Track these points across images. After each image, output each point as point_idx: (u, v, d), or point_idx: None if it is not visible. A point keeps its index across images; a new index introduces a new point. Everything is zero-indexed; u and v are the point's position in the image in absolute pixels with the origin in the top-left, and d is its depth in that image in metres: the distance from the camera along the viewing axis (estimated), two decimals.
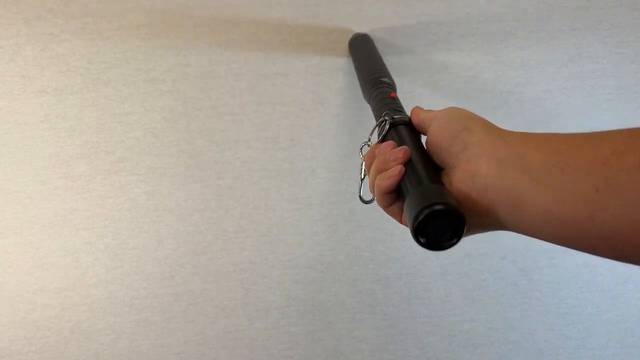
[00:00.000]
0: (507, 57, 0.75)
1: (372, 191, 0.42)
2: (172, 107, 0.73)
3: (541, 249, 0.80)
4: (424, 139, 0.45)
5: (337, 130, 0.75)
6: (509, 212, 0.33)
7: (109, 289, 0.77)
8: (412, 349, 0.83)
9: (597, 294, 0.81)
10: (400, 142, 0.43)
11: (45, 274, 0.76)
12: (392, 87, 0.60)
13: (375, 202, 0.44)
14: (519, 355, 0.84)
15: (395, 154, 0.40)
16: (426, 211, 0.32)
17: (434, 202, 0.33)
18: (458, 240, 0.33)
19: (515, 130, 0.36)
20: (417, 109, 0.49)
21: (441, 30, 0.73)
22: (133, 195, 0.75)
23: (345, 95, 0.74)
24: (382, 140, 0.46)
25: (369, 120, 0.76)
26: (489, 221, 0.34)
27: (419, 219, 0.33)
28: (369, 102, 0.60)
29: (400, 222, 0.41)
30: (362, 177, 0.48)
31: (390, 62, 0.74)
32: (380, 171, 0.40)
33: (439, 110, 0.45)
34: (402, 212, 0.41)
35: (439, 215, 0.33)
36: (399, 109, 0.53)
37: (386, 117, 0.48)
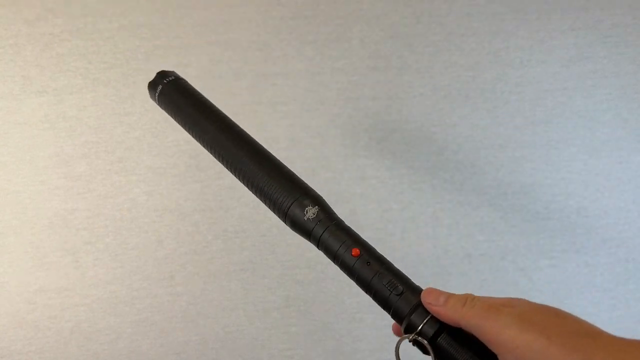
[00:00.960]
0: (508, 57, 0.75)
1: None
2: None
3: (542, 249, 0.80)
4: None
5: (337, 130, 0.75)
6: None
7: (109, 288, 0.77)
8: (411, 350, 0.83)
9: (597, 294, 0.81)
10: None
11: (45, 274, 0.76)
12: (327, 214, 0.44)
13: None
14: None
15: None
16: None
17: None
18: None
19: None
20: (438, 298, 0.37)
21: (441, 30, 0.73)
22: (133, 195, 0.75)
23: (345, 95, 0.74)
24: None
25: (369, 120, 0.76)
26: None
27: None
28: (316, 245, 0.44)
29: None
30: None
31: (391, 62, 0.74)
32: None
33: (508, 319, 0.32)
34: None
35: None
36: (402, 294, 0.39)
37: (408, 336, 0.37)
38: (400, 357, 0.36)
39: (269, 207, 0.46)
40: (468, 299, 0.35)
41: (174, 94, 0.52)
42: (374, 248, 0.43)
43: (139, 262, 0.77)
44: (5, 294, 0.76)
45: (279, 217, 0.45)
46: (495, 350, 0.32)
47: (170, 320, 0.78)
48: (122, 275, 0.77)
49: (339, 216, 0.44)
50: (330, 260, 0.44)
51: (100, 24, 0.70)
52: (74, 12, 0.69)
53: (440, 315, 0.36)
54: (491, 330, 0.32)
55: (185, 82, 0.54)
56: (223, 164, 0.49)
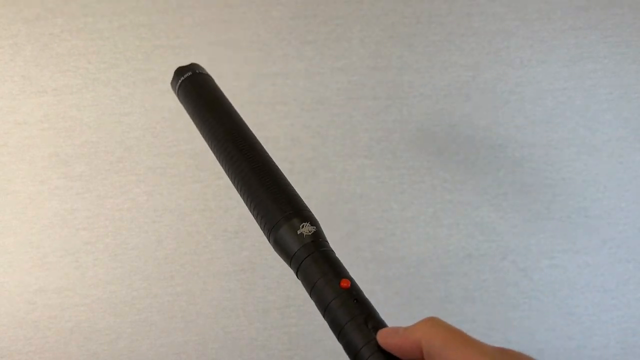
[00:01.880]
0: (508, 56, 0.75)
1: None
2: (172, 107, 0.73)
3: (542, 249, 0.80)
4: None
5: (337, 130, 0.75)
6: None
7: (109, 289, 0.77)
8: None
9: (597, 294, 0.81)
10: None
11: (45, 274, 0.76)
12: (318, 238, 0.37)
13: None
14: None
15: None
16: None
17: None
18: None
19: None
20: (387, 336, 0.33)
21: (441, 30, 0.73)
22: (133, 195, 0.75)
23: (345, 95, 0.74)
24: None
25: (369, 120, 0.76)
26: None
27: None
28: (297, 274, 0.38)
29: None
30: None
31: (391, 62, 0.74)
32: None
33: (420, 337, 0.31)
34: None
35: None
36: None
37: None
38: None
39: (257, 218, 0.41)
40: (430, 320, 0.32)
41: (195, 86, 0.50)
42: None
43: (139, 262, 0.77)
44: (5, 294, 0.76)
45: (264, 230, 0.40)
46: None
47: (170, 320, 0.78)
48: (122, 275, 0.77)
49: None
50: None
51: (100, 24, 0.70)
52: (74, 12, 0.69)
53: (399, 346, 0.32)
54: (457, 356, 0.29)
55: (211, 79, 0.52)
56: (221, 164, 0.47)
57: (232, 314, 0.79)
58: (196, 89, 0.50)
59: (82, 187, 0.74)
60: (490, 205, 0.78)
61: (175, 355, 0.79)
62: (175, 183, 0.75)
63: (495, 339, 0.83)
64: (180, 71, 0.52)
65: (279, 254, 0.39)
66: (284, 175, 0.43)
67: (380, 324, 0.34)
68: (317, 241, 0.37)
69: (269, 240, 0.39)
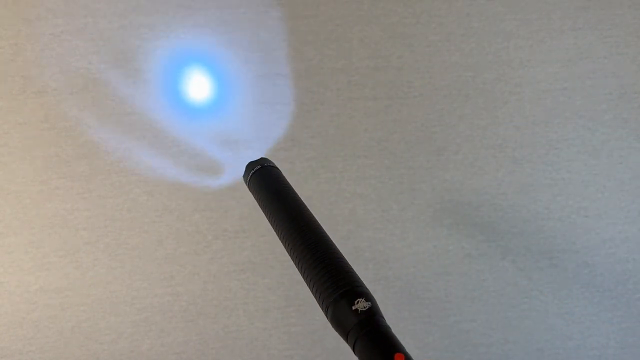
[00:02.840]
0: (508, 56, 0.75)
1: None
2: (172, 107, 0.73)
3: (542, 249, 0.80)
4: None
5: (337, 130, 0.75)
6: None
7: (109, 288, 0.77)
8: (412, 349, 0.83)
9: (597, 294, 0.81)
10: None
11: (45, 274, 0.76)
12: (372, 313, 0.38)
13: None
14: (519, 355, 0.84)
15: None
16: None
17: None
18: None
19: None
20: None
21: (441, 30, 0.73)
22: (133, 195, 0.75)
23: (345, 95, 0.74)
24: None
25: (369, 120, 0.76)
26: None
27: None
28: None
29: None
30: None
31: (391, 62, 0.74)
32: None
33: None
34: None
35: None
36: None
37: None
38: None
39: (315, 295, 0.42)
40: None
41: (263, 178, 0.56)
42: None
43: (140, 262, 0.77)
44: (5, 294, 0.76)
45: (321, 306, 0.41)
46: None
47: (171, 320, 0.79)
48: (122, 275, 0.77)
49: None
50: None
51: (100, 24, 0.70)
52: (74, 12, 0.69)
53: None
54: None
55: (279, 172, 0.57)
56: (285, 247, 0.48)
57: (232, 314, 0.79)
58: (265, 180, 0.55)
59: (83, 187, 0.74)
60: (490, 205, 0.78)
61: (175, 354, 0.79)
62: (175, 183, 0.75)
63: (495, 339, 0.84)
64: (251, 166, 0.58)
65: (336, 331, 0.40)
66: (340, 253, 0.45)
67: None
68: (372, 318, 0.37)
69: (327, 317, 0.40)
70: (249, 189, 0.57)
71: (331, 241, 0.46)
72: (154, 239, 0.76)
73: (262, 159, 0.59)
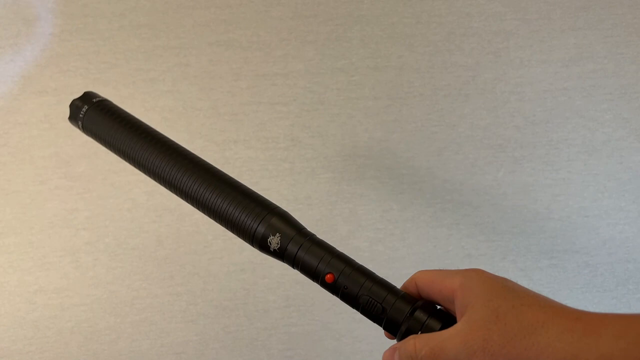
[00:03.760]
0: (508, 56, 0.75)
1: None
2: (172, 107, 0.73)
3: (542, 249, 0.80)
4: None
5: (337, 130, 0.75)
6: None
7: (109, 289, 0.77)
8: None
9: (597, 294, 0.81)
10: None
11: (45, 274, 0.76)
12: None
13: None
14: None
15: None
16: None
17: None
18: None
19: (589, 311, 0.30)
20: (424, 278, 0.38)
21: (441, 30, 0.73)
22: (133, 195, 0.75)
23: (345, 95, 0.74)
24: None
25: (369, 120, 0.76)
26: None
27: None
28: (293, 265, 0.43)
29: None
30: None
31: (391, 62, 0.74)
32: None
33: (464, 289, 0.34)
34: None
35: None
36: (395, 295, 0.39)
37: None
38: None
39: (235, 234, 0.44)
40: (412, 354, 0.34)
41: (97, 119, 0.49)
42: (350, 261, 0.41)
43: (139, 262, 0.77)
44: (5, 294, 0.76)
45: (248, 243, 0.44)
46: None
47: (170, 320, 0.78)
48: (122, 275, 0.77)
49: (308, 230, 0.43)
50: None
51: (100, 24, 0.70)
52: (74, 12, 0.69)
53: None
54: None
55: (106, 102, 0.51)
56: (171, 189, 0.47)
57: (232, 314, 0.79)
58: (97, 125, 0.49)
59: (83, 187, 0.74)
60: (490, 205, 0.78)
61: (175, 355, 0.79)
62: None
63: None
64: (78, 104, 0.51)
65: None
66: (233, 179, 0.45)
67: (368, 297, 0.39)
68: (297, 232, 0.42)
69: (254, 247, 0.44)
70: (84, 130, 0.51)
71: (217, 171, 0.46)
72: (154, 239, 0.76)
73: (87, 93, 0.51)
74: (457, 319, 0.34)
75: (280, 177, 0.75)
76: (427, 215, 0.78)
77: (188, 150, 0.48)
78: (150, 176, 0.47)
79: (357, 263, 0.41)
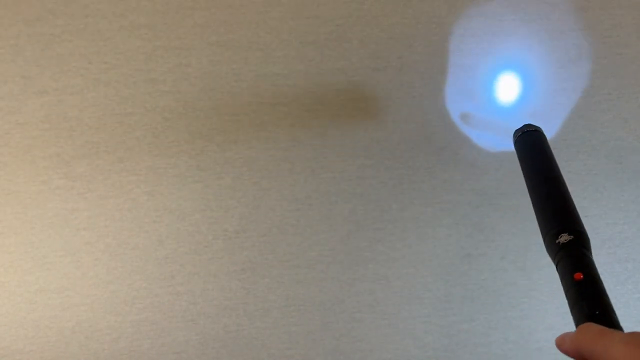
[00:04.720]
0: (508, 56, 0.75)
1: None
2: (172, 108, 0.73)
3: (541, 248, 0.80)
4: None
5: (337, 130, 0.75)
6: None
7: (109, 288, 0.77)
8: (411, 349, 0.83)
9: None
10: None
11: (45, 274, 0.76)
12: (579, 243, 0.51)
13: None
14: (518, 355, 0.84)
15: None
16: None
17: None
18: None
19: None
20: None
21: (441, 30, 0.73)
22: (134, 195, 0.75)
23: (345, 95, 0.74)
24: None
25: (369, 120, 0.76)
26: None
27: None
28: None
29: None
30: None
31: (390, 62, 0.74)
32: None
33: None
34: None
35: None
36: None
37: None
38: None
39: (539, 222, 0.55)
40: (583, 329, 0.37)
41: (528, 142, 0.62)
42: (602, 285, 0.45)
43: (140, 262, 0.77)
44: (5, 293, 0.76)
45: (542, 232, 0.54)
46: None
47: (171, 320, 0.79)
48: (123, 275, 0.77)
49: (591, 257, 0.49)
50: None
51: (101, 24, 0.70)
52: (75, 12, 0.69)
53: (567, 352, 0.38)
54: (600, 352, 0.33)
55: (544, 137, 0.62)
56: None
57: (232, 314, 0.79)
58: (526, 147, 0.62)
59: (83, 187, 0.74)
60: (490, 205, 0.78)
61: (176, 354, 0.79)
62: (175, 183, 0.75)
63: (494, 338, 0.84)
64: (525, 127, 0.63)
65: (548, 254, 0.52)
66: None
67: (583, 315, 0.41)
68: (570, 248, 0.50)
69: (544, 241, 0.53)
70: (514, 146, 0.63)
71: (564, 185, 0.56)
72: (154, 239, 0.76)
73: (528, 125, 0.64)
74: None
75: (280, 177, 0.75)
76: (427, 215, 0.78)
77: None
78: None
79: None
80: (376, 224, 0.78)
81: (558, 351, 0.38)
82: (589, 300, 0.43)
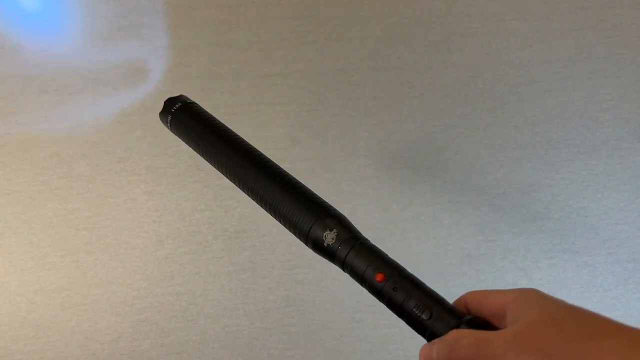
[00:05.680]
0: (508, 57, 0.75)
1: None
2: None
3: (541, 249, 0.80)
4: None
5: (337, 130, 0.75)
6: None
7: (109, 288, 0.77)
8: (411, 349, 0.83)
9: (597, 294, 0.81)
10: None
11: (46, 274, 0.76)
12: (347, 234, 0.42)
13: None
14: None
15: None
16: None
17: None
18: None
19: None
20: (476, 298, 0.37)
21: (441, 30, 0.73)
22: (133, 195, 0.75)
23: (345, 95, 0.74)
24: None
25: (369, 120, 0.76)
26: None
27: None
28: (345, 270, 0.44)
29: None
30: None
31: (391, 62, 0.74)
32: None
33: (517, 310, 0.32)
34: None
35: None
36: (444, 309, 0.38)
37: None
38: None
39: (290, 230, 0.46)
40: (452, 343, 0.33)
41: (185, 119, 0.53)
42: (402, 268, 0.42)
43: (140, 262, 0.77)
44: (5, 294, 0.76)
45: (300, 240, 0.45)
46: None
47: (171, 320, 0.79)
48: (123, 275, 0.77)
49: (363, 235, 0.44)
50: (338, 267, 0.43)
51: (100, 24, 0.70)
52: (75, 12, 0.70)
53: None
54: None
55: (196, 105, 0.54)
56: (240, 187, 0.50)
57: (232, 314, 0.79)
58: (184, 125, 0.53)
59: (83, 187, 0.74)
60: (490, 205, 0.78)
61: (175, 354, 0.79)
62: (175, 183, 0.75)
63: None
64: (162, 115, 0.55)
65: (322, 257, 0.45)
66: (298, 181, 0.48)
67: (416, 301, 0.38)
68: (350, 236, 0.42)
69: (308, 247, 0.45)
70: (174, 133, 0.55)
71: (284, 172, 0.48)
72: (154, 239, 0.76)
73: (169, 99, 0.55)
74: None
75: None
76: (427, 215, 0.78)
77: (257, 151, 0.51)
78: (228, 178, 0.52)
79: (408, 272, 0.41)
80: (376, 224, 0.78)
81: None
82: (417, 304, 0.38)
